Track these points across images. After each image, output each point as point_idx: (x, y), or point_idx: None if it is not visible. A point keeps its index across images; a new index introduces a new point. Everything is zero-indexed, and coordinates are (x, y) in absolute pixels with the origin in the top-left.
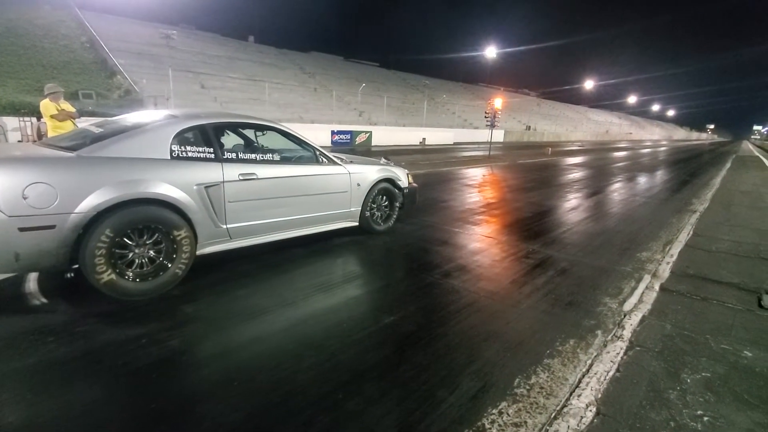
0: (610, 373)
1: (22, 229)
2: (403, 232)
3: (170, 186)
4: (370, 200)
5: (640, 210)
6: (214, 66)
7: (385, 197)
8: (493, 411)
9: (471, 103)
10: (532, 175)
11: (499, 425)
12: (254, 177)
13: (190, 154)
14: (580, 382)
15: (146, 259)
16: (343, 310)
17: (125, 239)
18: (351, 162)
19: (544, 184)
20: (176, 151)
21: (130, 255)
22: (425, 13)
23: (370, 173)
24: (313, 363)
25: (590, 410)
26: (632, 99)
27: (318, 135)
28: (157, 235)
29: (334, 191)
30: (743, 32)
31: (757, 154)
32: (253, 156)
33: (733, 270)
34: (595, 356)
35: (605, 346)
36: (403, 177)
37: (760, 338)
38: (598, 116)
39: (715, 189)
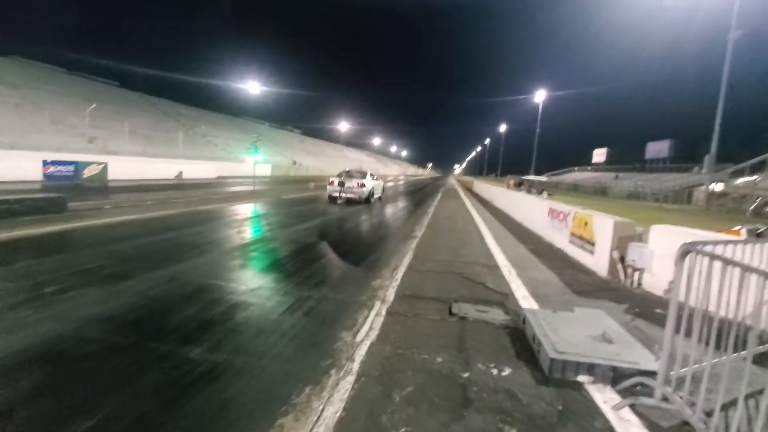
0: (338, 415)
1: None
2: (134, 292)
3: None
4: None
5: (378, 240)
6: None
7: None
8: None
9: (236, 136)
10: (292, 210)
11: None
12: None
13: None
14: None
15: None
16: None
17: None
18: (376, 178)
19: (302, 219)
20: None
21: None
22: (180, 33)
23: (378, 185)
24: None
25: None
26: (377, 141)
27: (21, 165)
28: None
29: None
30: (447, 92)
31: (457, 187)
32: None
33: (435, 285)
34: (327, 399)
35: (337, 384)
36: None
37: (448, 342)
38: (353, 154)
39: (430, 217)
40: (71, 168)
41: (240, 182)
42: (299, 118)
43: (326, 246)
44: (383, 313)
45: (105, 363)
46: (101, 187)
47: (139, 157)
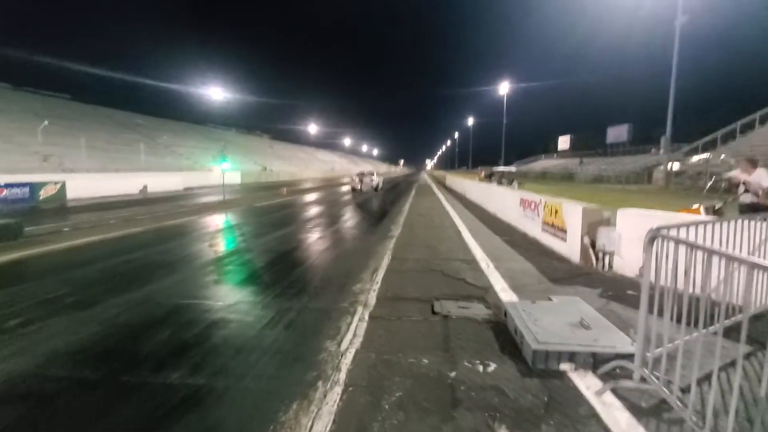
0: (328, 428)
1: None
2: (101, 320)
3: None
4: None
5: (355, 243)
6: None
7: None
8: None
9: (201, 145)
10: (265, 219)
11: None
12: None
13: None
14: None
15: None
16: None
17: None
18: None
19: (276, 227)
20: None
21: None
22: (135, 40)
23: (381, 179)
24: None
25: None
26: (348, 141)
27: None
28: None
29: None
30: (416, 88)
31: (430, 182)
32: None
33: (416, 285)
34: (316, 413)
35: (325, 397)
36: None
37: (433, 343)
38: (325, 156)
39: (405, 215)
40: (26, 189)
41: (209, 192)
42: (267, 122)
43: (302, 253)
44: (366, 318)
45: (74, 400)
46: (60, 208)
47: (99, 173)
